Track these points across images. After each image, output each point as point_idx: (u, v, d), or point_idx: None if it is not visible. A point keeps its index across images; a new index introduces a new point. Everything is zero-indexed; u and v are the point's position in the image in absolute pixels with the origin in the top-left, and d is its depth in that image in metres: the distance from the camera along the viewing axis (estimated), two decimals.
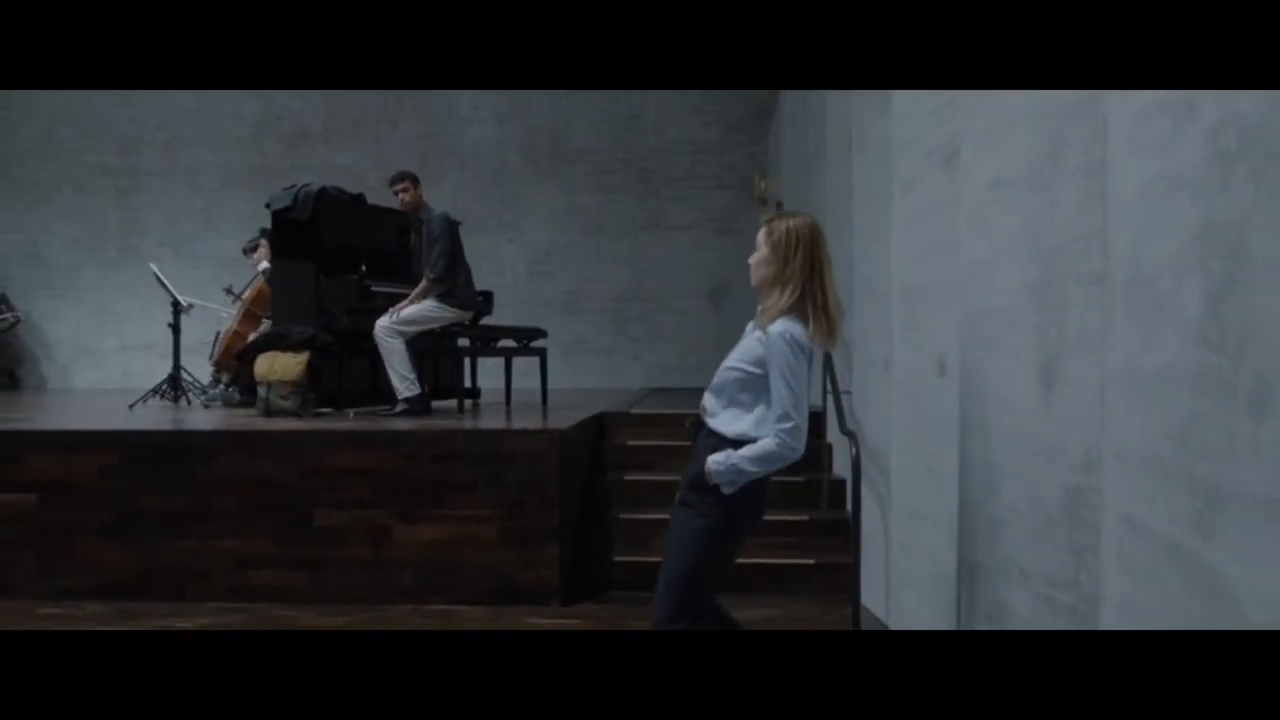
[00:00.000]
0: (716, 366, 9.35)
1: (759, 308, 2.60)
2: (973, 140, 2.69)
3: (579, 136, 9.75)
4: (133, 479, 4.60)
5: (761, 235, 2.54)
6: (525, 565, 4.50)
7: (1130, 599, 1.61)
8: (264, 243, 6.90)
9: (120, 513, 4.58)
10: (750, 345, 2.58)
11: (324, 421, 5.22)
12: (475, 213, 9.53)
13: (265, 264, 6.82)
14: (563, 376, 8.34)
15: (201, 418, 5.84)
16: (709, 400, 2.63)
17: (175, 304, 7.02)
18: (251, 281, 7.06)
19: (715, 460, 2.50)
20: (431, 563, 4.48)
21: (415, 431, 4.71)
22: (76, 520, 4.59)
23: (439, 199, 8.98)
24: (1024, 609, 2.28)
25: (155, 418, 5.85)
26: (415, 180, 5.79)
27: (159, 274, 7.13)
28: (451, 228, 5.64)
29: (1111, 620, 1.69)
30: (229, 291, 7.43)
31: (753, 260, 2.58)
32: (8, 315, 9.39)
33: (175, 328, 7.00)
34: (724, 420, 2.57)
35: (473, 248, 6.28)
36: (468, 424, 5.14)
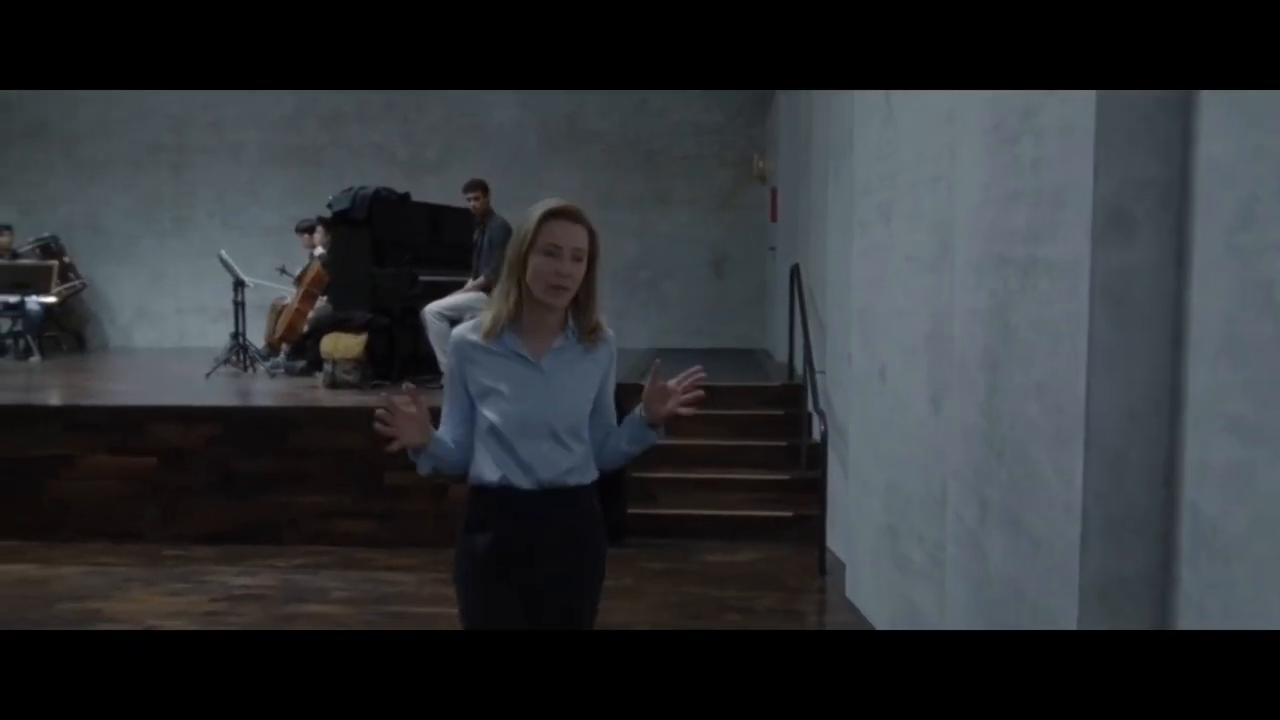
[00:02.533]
0: (715, 330, 10.72)
1: (560, 324, 2.08)
2: (899, 219, 3.62)
3: (592, 119, 10.58)
4: (234, 446, 5.61)
5: (584, 239, 2.04)
6: None
7: (956, 560, 2.60)
8: (320, 229, 7.83)
9: (224, 473, 5.60)
10: (587, 368, 2.11)
11: (384, 395, 6.19)
12: (497, 189, 10.33)
13: (320, 249, 7.77)
14: None
15: (276, 389, 6.83)
16: (558, 457, 2.06)
17: (240, 283, 7.96)
18: (308, 265, 7.99)
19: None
20: None
21: None
22: (189, 479, 5.61)
23: (465, 175, 9.94)
24: (919, 561, 3.28)
25: (239, 388, 6.88)
26: (486, 189, 6.70)
27: (226, 258, 8.05)
28: (509, 237, 6.55)
29: (951, 575, 2.68)
30: (283, 271, 8.39)
31: (574, 271, 2.02)
32: (75, 282, 10.34)
33: (241, 304, 7.95)
34: (587, 470, 2.12)
35: None
36: None
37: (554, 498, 2.06)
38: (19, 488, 5.58)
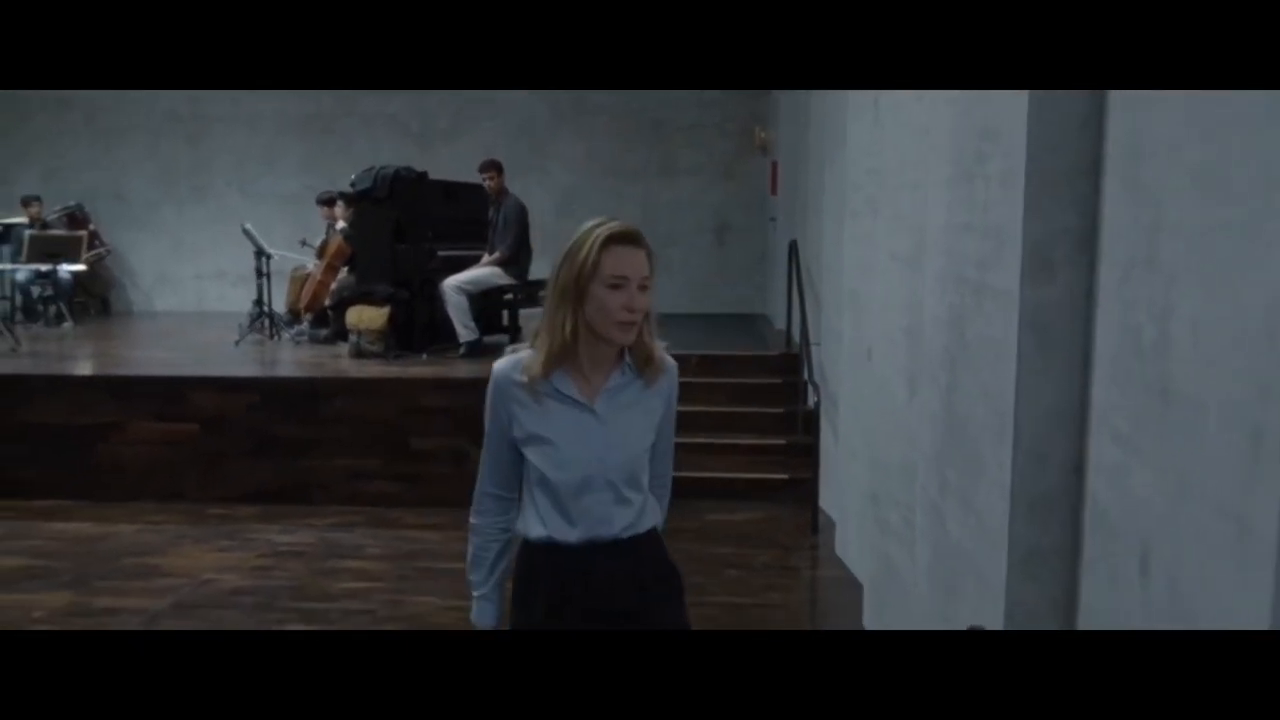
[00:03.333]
0: (717, 296, 11.26)
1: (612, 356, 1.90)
2: (884, 217, 4.01)
3: (598, 90, 10.88)
4: (270, 413, 6.04)
5: (647, 265, 1.85)
6: None
7: (922, 527, 3.04)
8: (340, 203, 8.19)
9: (261, 439, 6.04)
10: (648, 405, 1.94)
11: (409, 367, 6.62)
12: (507, 157, 10.72)
13: (341, 223, 8.15)
14: None
15: (306, 359, 7.24)
16: (613, 514, 1.90)
17: (263, 254, 8.33)
18: (330, 238, 8.37)
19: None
20: None
21: (485, 379, 6.11)
22: (228, 444, 6.05)
23: (476, 145, 10.29)
24: (896, 524, 3.72)
25: (271, 358, 7.31)
26: (500, 169, 7.06)
27: (251, 231, 8.41)
28: (523, 215, 6.95)
29: (919, 538, 3.12)
30: (304, 243, 8.79)
31: (643, 304, 1.83)
32: (100, 249, 10.72)
33: (267, 275, 8.33)
34: (644, 519, 1.98)
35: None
36: None
37: (604, 550, 1.89)
38: (72, 452, 6.03)
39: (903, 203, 3.68)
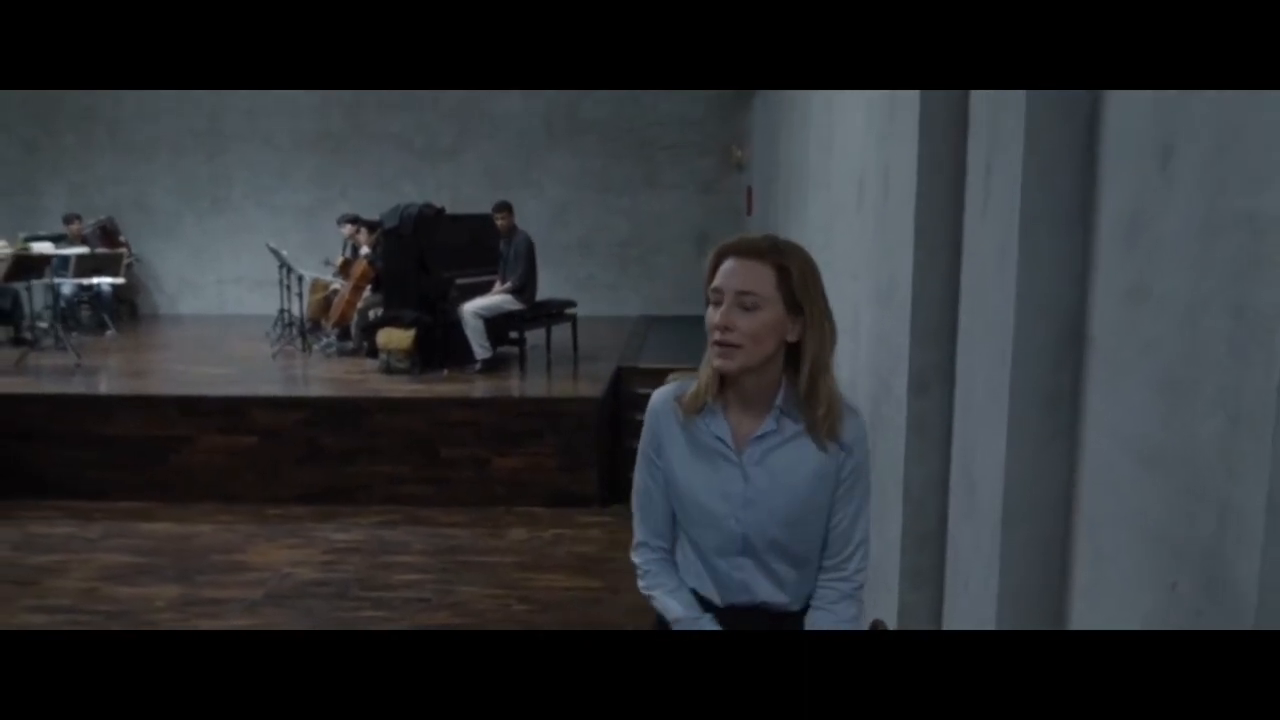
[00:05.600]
0: (699, 300, 12.86)
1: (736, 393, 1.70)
2: (835, 285, 5.07)
3: (589, 109, 11.84)
4: (319, 427, 7.07)
5: (759, 279, 1.60)
6: (574, 482, 7.04)
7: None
8: (364, 229, 9.19)
9: (311, 449, 7.07)
10: (809, 466, 1.69)
11: (435, 385, 7.66)
12: (505, 171, 11.75)
13: (365, 248, 9.14)
14: (579, 306, 10.62)
15: (344, 378, 8.24)
16: (757, 584, 1.71)
17: (291, 271, 9.30)
18: (354, 259, 9.36)
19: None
20: (516, 480, 7.02)
21: (502, 398, 7.19)
22: (282, 454, 7.08)
23: (475, 162, 11.26)
24: None
25: (312, 375, 8.33)
26: (510, 210, 8.02)
27: (279, 251, 9.37)
28: (531, 249, 7.95)
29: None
30: (327, 263, 9.78)
31: (739, 322, 1.59)
32: (129, 259, 11.62)
33: (300, 294, 9.30)
34: (801, 601, 1.79)
35: None
36: (534, 392, 7.60)
37: (749, 618, 1.71)
38: (150, 460, 7.04)
39: (846, 285, 4.75)
